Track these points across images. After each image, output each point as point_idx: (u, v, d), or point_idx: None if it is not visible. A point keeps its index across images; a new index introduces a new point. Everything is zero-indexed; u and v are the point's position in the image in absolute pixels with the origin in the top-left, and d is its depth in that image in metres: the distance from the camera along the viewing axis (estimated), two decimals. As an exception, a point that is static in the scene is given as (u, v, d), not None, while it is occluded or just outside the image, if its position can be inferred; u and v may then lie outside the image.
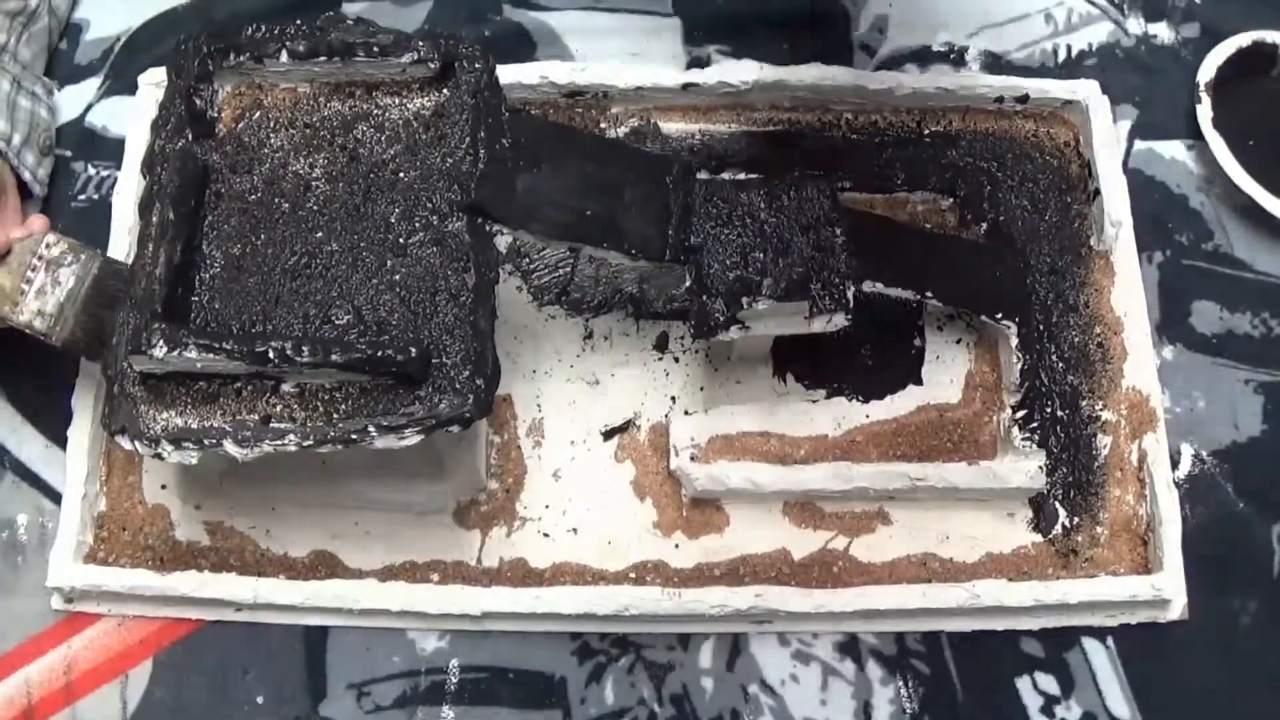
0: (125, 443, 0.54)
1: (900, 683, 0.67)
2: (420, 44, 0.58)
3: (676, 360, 0.72)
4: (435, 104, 0.59)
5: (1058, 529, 0.69)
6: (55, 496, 0.69)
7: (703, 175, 0.65)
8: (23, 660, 0.66)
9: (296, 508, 0.68)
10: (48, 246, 0.61)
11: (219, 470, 0.66)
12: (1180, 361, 0.74)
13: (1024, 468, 0.68)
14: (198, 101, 0.58)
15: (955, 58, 0.83)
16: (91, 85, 0.81)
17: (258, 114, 0.59)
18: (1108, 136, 0.76)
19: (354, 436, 0.53)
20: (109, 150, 0.78)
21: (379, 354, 0.52)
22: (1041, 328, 0.73)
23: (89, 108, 0.80)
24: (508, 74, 0.70)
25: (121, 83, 0.80)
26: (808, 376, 0.72)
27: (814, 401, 0.71)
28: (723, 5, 0.85)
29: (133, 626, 0.67)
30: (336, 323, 0.55)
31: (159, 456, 0.54)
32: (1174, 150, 0.80)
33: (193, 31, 0.59)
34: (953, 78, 0.77)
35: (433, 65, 0.58)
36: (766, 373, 0.72)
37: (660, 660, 0.67)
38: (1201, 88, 0.79)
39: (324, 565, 0.67)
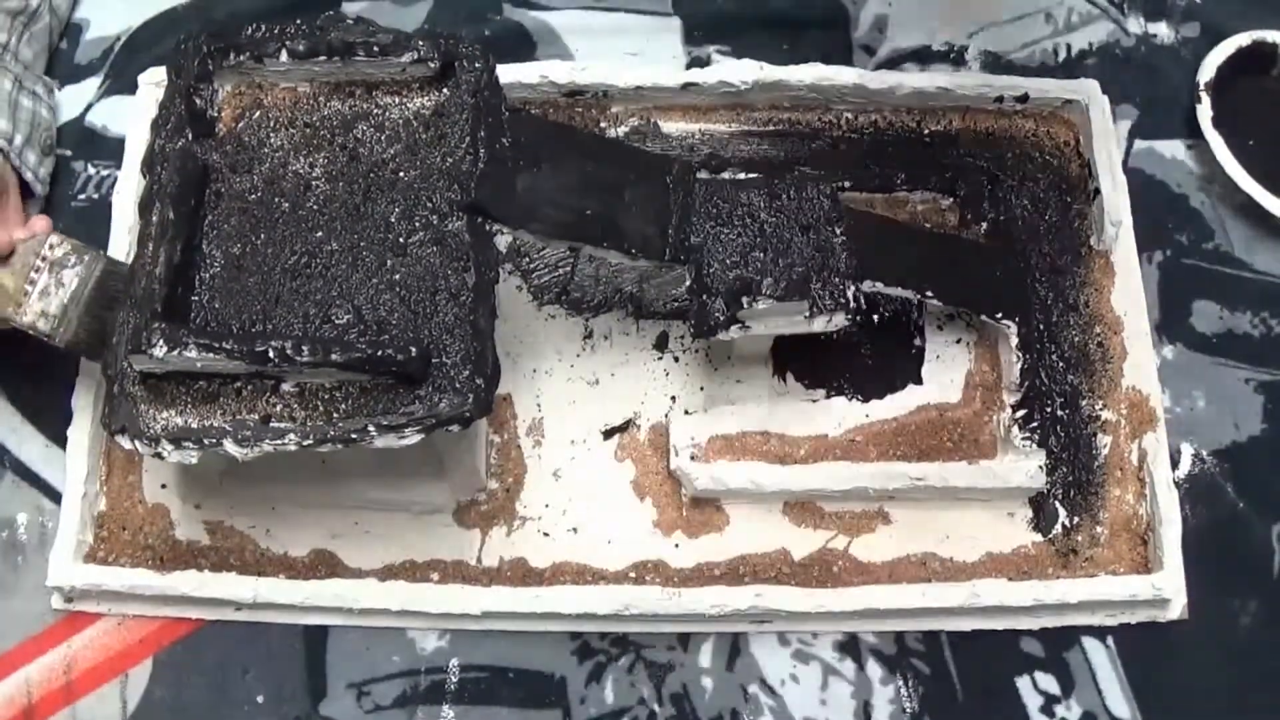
0: (125, 442, 0.54)
1: (900, 682, 0.67)
2: (420, 43, 0.58)
3: (676, 360, 0.72)
4: (435, 103, 0.59)
5: (1058, 528, 0.69)
6: (55, 496, 0.69)
7: (703, 175, 0.65)
8: (23, 659, 0.66)
9: (296, 507, 0.68)
10: (51, 247, 0.61)
11: (219, 469, 0.66)
12: (1180, 361, 0.74)
13: (1024, 467, 0.68)
14: (198, 101, 0.58)
15: (955, 58, 0.83)
16: (92, 85, 0.81)
17: (258, 113, 0.59)
18: (1108, 136, 0.76)
19: (354, 436, 0.53)
20: (109, 150, 0.78)
21: (379, 353, 0.52)
22: (1041, 327, 0.73)
23: (89, 107, 0.80)
24: (508, 73, 0.70)
25: (121, 82, 0.80)
26: (808, 376, 0.72)
27: (814, 401, 0.71)
28: (723, 5, 0.85)
29: (133, 626, 0.67)
30: (336, 322, 0.55)
31: (159, 456, 0.54)
32: (1174, 150, 0.80)
33: (193, 31, 0.59)
34: (953, 77, 0.77)
35: (433, 65, 0.58)
36: (766, 372, 0.72)
37: (660, 660, 0.67)
38: (1201, 87, 0.79)
39: (324, 565, 0.67)
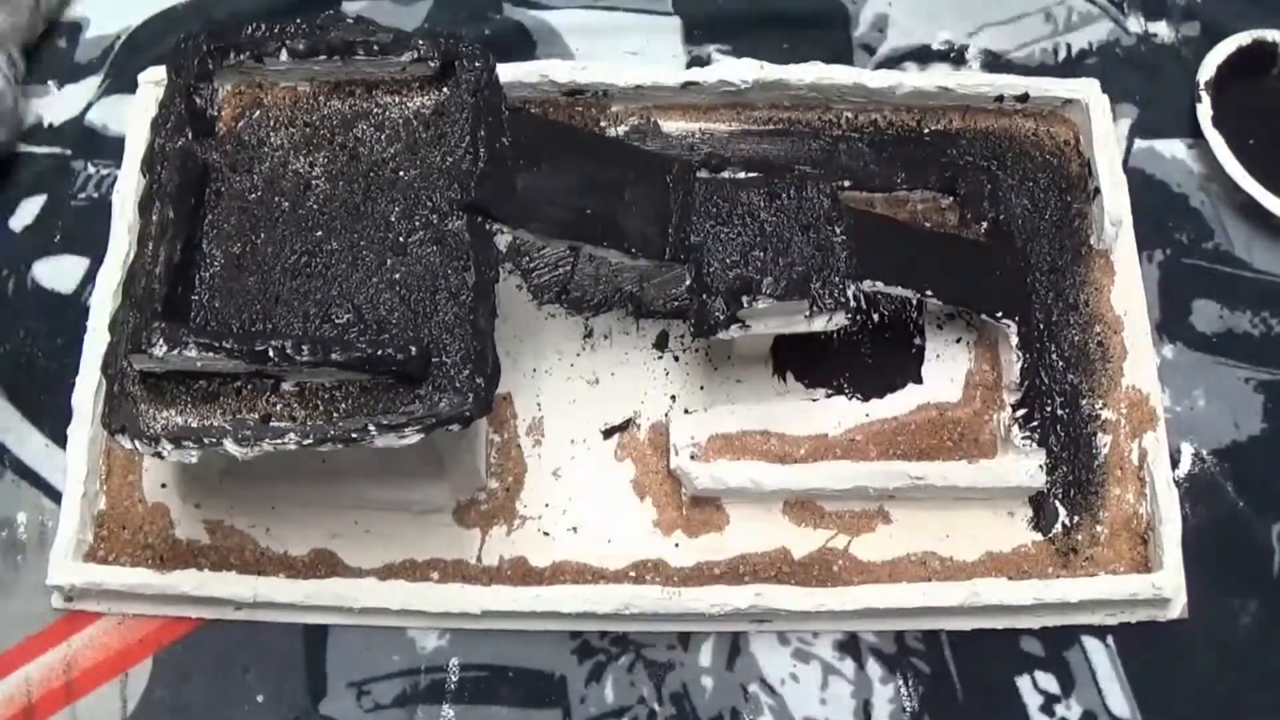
0: (125, 441, 0.54)
1: (900, 681, 0.67)
2: (420, 43, 0.58)
3: (676, 359, 0.72)
4: (435, 103, 0.59)
5: (1058, 528, 0.69)
6: (55, 495, 0.69)
7: (703, 174, 0.65)
8: (23, 659, 0.66)
9: (296, 506, 0.68)
10: None
11: (219, 469, 0.66)
12: (1180, 360, 0.74)
13: (1024, 466, 0.68)
14: (198, 100, 0.58)
15: (955, 57, 0.83)
16: (91, 84, 0.81)
17: (258, 112, 0.59)
18: (1108, 135, 0.76)
19: (354, 435, 0.53)
20: (109, 149, 0.78)
21: (379, 353, 0.52)
22: (1041, 326, 0.73)
23: (89, 106, 0.80)
24: (508, 72, 0.70)
25: (121, 81, 0.80)
26: (808, 375, 0.72)
27: (814, 400, 0.71)
28: (723, 4, 0.85)
29: (132, 625, 0.67)
30: (336, 321, 0.55)
31: (159, 455, 0.54)
32: (1174, 149, 0.80)
33: (193, 30, 0.59)
34: (952, 76, 0.77)
35: (433, 64, 0.58)
36: (766, 372, 0.72)
37: (660, 659, 0.67)
38: (1201, 86, 0.79)
39: (324, 564, 0.67)
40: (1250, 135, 0.78)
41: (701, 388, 0.71)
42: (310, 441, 0.53)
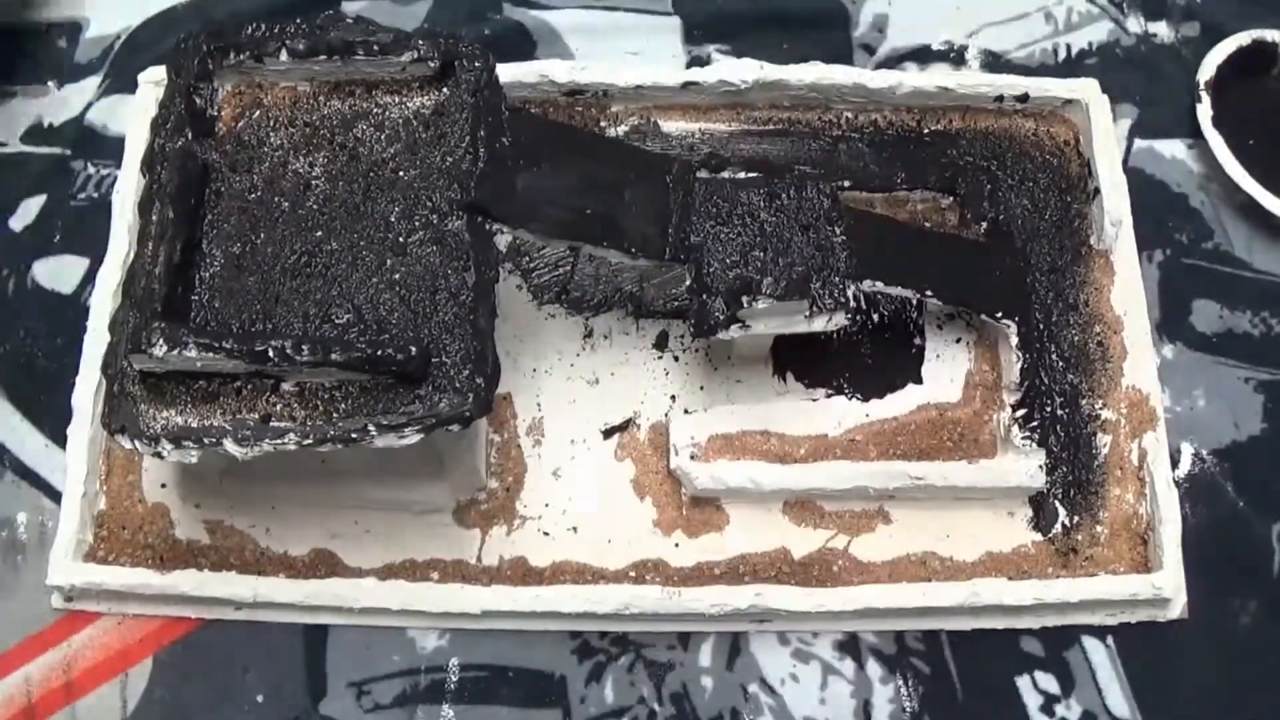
0: (125, 441, 0.54)
1: (900, 681, 0.67)
2: (420, 43, 0.58)
3: (676, 359, 0.72)
4: (435, 103, 0.59)
5: (1058, 528, 0.69)
6: (55, 495, 0.69)
7: (703, 174, 0.65)
8: (23, 659, 0.66)
9: (296, 506, 0.68)
10: None
11: (219, 469, 0.66)
12: (1180, 360, 0.74)
13: (1024, 466, 0.68)
14: (197, 100, 0.58)
15: (955, 57, 0.83)
16: (91, 84, 0.81)
17: (257, 112, 0.59)
18: (1107, 135, 0.76)
19: (354, 435, 0.53)
20: (109, 149, 0.78)
21: (379, 353, 0.52)
22: (1041, 326, 0.73)
23: (89, 106, 0.80)
24: (507, 72, 0.70)
25: (121, 81, 0.80)
26: (808, 375, 0.72)
27: (814, 401, 0.71)
28: (723, 4, 0.85)
29: (132, 625, 0.67)
30: (336, 322, 0.55)
31: (159, 455, 0.54)
32: (1174, 149, 0.80)
33: (192, 30, 0.59)
34: (952, 76, 0.77)
35: (432, 64, 0.58)
36: (766, 372, 0.72)
37: (660, 659, 0.67)
38: (1201, 86, 0.79)
39: (324, 564, 0.67)
40: (1250, 135, 0.78)
41: (701, 388, 0.71)
42: (310, 441, 0.53)
